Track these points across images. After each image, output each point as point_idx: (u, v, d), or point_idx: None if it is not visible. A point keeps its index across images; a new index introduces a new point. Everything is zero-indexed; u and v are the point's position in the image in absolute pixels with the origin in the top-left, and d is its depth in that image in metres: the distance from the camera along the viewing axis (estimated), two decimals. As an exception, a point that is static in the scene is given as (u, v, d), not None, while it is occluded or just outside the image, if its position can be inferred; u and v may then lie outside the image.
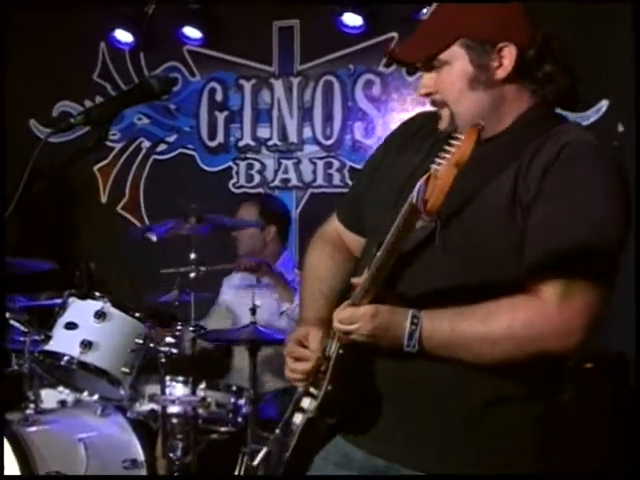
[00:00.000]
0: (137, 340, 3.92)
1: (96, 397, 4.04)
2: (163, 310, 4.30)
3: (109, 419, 4.08)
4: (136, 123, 5.94)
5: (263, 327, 4.07)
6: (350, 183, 5.26)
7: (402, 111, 5.34)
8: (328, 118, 5.62)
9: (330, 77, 5.61)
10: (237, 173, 5.80)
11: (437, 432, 1.96)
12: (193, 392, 4.00)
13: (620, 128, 4.80)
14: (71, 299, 3.99)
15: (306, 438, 2.07)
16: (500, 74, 1.95)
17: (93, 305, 3.93)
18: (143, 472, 3.97)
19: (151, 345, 3.97)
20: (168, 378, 4.04)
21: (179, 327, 4.02)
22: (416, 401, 1.98)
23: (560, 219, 1.84)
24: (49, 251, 5.50)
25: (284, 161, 5.71)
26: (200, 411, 4.02)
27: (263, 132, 5.76)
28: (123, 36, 5.75)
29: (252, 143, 5.78)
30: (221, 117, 5.84)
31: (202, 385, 4.07)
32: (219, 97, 5.85)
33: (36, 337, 3.91)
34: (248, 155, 5.79)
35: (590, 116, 4.80)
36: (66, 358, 3.85)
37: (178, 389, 4.08)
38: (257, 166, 5.77)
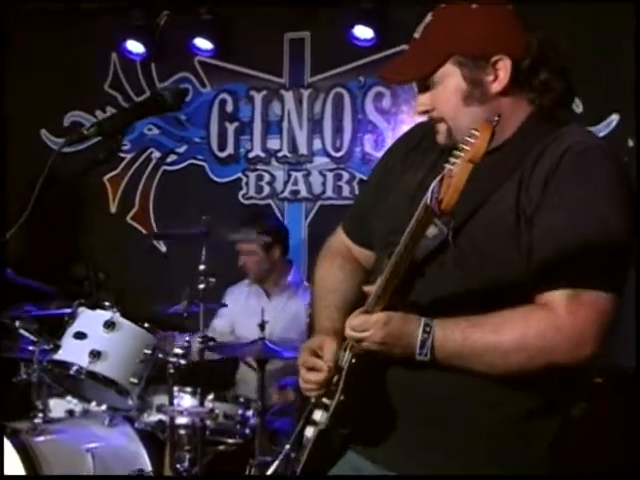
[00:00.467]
0: (146, 350, 3.92)
1: (104, 407, 4.03)
2: (172, 321, 4.30)
3: (117, 429, 4.08)
4: (146, 133, 5.95)
5: (272, 343, 4.06)
6: (360, 195, 5.26)
7: (412, 123, 5.30)
8: (338, 130, 5.63)
9: (340, 89, 5.62)
10: (247, 184, 5.80)
11: (450, 443, 1.95)
12: (201, 403, 3.99)
13: (630, 143, 4.80)
14: (80, 309, 3.99)
15: (318, 451, 2.06)
16: (496, 87, 1.95)
17: (102, 315, 3.93)
18: (150, 483, 3.98)
19: (160, 356, 3.97)
20: (176, 389, 4.04)
21: (188, 338, 4.02)
22: (429, 412, 1.97)
23: (565, 228, 1.83)
24: (58, 261, 5.53)
25: (294, 173, 5.72)
26: (208, 422, 4.01)
27: (273, 143, 5.77)
28: (134, 47, 5.78)
29: (262, 154, 5.79)
30: (231, 128, 5.85)
31: (210, 396, 4.06)
32: (229, 108, 5.86)
33: (45, 346, 3.92)
34: (258, 166, 5.79)
35: (600, 130, 4.79)
36: (75, 368, 3.85)
37: (186, 400, 4.07)
38: (267, 177, 5.77)
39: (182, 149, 5.93)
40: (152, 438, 4.12)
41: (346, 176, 5.59)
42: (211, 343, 4.11)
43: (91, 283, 4.14)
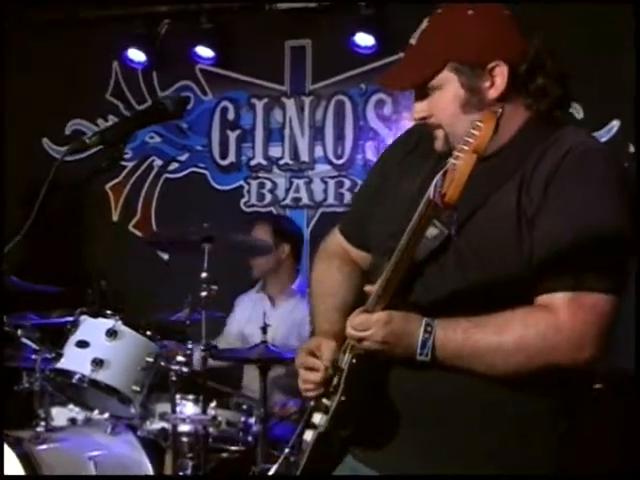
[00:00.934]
0: (148, 358, 3.91)
1: (106, 415, 4.03)
2: (174, 328, 4.30)
3: (119, 437, 4.07)
4: (148, 142, 5.96)
5: (274, 346, 4.06)
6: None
7: (413, 130, 5.33)
8: (339, 137, 5.63)
9: (342, 96, 5.63)
10: (248, 192, 5.81)
11: (451, 443, 1.95)
12: (204, 411, 3.99)
13: (631, 149, 4.80)
14: (83, 317, 3.99)
15: (318, 454, 2.05)
16: (493, 94, 1.94)
17: (105, 323, 3.92)
18: (153, 491, 3.98)
19: (162, 363, 3.97)
20: (179, 397, 4.04)
21: (190, 346, 4.02)
22: (430, 413, 1.97)
23: (566, 230, 1.84)
24: (60, 269, 5.52)
25: (295, 180, 5.72)
26: (210, 430, 4.01)
27: (275, 151, 5.78)
28: (136, 55, 5.79)
29: (264, 162, 5.80)
30: (233, 136, 5.86)
31: (213, 404, 4.06)
32: (231, 116, 5.87)
33: (47, 355, 3.91)
34: (259, 174, 5.80)
35: (602, 136, 4.79)
36: (77, 376, 3.84)
37: (189, 408, 4.06)
38: (268, 185, 5.78)
39: (184, 157, 5.94)
40: (155, 446, 4.11)
41: (348, 183, 5.60)
42: (213, 350, 4.11)
43: (93, 291, 4.14)
